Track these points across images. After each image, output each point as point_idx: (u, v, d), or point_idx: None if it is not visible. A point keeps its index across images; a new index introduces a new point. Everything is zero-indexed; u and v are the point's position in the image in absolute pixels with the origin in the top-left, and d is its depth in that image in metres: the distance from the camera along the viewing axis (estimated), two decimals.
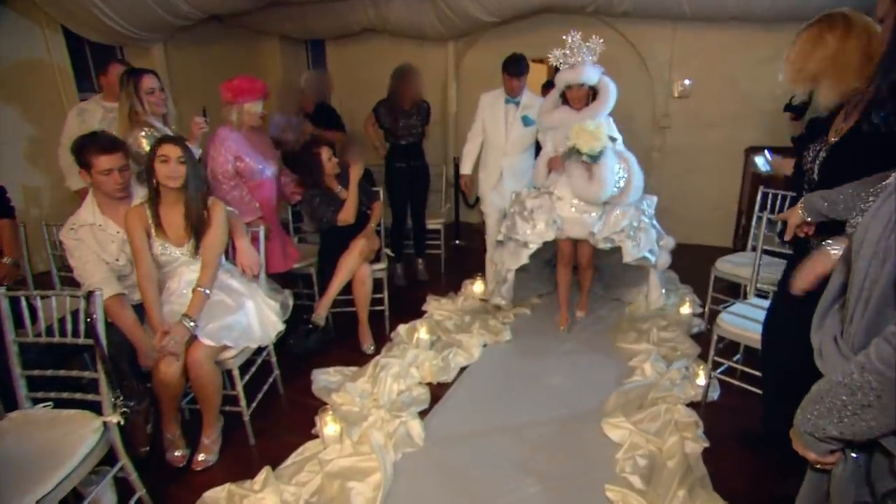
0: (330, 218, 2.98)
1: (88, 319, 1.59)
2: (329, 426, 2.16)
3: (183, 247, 2.08)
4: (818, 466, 0.88)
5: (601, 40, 2.74)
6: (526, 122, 3.29)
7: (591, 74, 2.74)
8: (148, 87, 2.56)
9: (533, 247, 2.94)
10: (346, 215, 2.94)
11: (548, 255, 3.44)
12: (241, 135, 2.74)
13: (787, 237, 1.55)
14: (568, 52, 2.76)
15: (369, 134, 3.85)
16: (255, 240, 2.41)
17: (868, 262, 0.78)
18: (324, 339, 3.00)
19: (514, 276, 3.15)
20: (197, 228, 2.07)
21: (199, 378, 2.00)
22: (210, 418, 2.12)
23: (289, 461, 2.09)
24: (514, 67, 3.19)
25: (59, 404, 1.74)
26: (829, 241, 1.30)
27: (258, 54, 6.01)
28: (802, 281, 1.32)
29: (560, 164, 2.82)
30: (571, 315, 3.25)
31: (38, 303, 1.68)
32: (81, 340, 1.66)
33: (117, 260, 2.12)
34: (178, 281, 2.14)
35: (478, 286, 3.58)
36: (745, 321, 2.17)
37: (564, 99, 2.89)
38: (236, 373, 2.14)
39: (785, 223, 1.56)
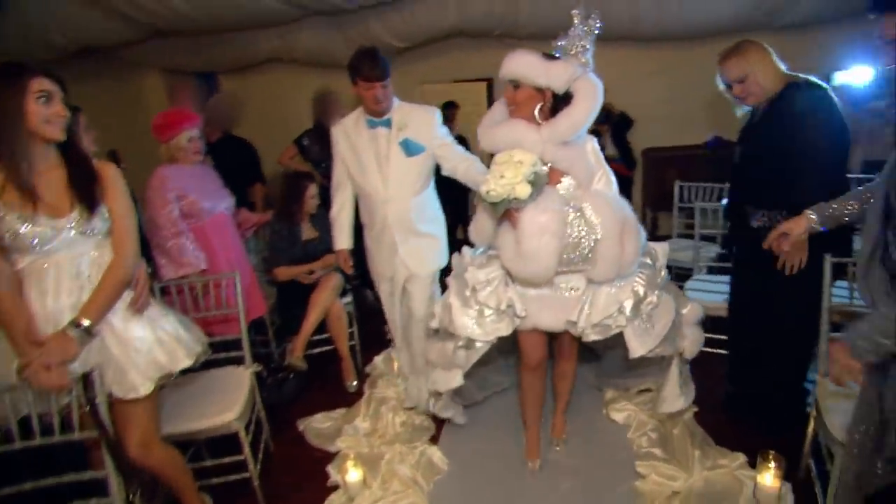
0: (273, 261, 2.85)
1: (88, 406, 1.34)
2: (351, 472, 2.02)
3: (64, 218, 1.42)
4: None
5: (598, 23, 1.80)
6: (409, 149, 2.14)
7: (536, 71, 1.70)
8: None
9: (481, 346, 1.91)
10: (281, 275, 2.86)
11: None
12: (182, 169, 2.48)
13: (767, 244, 1.81)
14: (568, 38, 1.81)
15: (287, 168, 3.63)
16: (231, 286, 2.20)
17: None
18: (300, 384, 2.80)
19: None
20: (84, 192, 1.45)
21: (155, 468, 1.60)
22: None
23: None
24: (372, 67, 1.99)
25: None
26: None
27: (139, 89, 5.46)
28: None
29: (515, 217, 1.70)
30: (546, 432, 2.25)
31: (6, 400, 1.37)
32: (77, 434, 1.39)
33: None
34: (60, 270, 1.43)
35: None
36: (704, 294, 2.50)
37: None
38: (243, 434, 1.92)
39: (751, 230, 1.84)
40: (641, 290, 1.83)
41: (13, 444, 1.37)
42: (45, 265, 1.43)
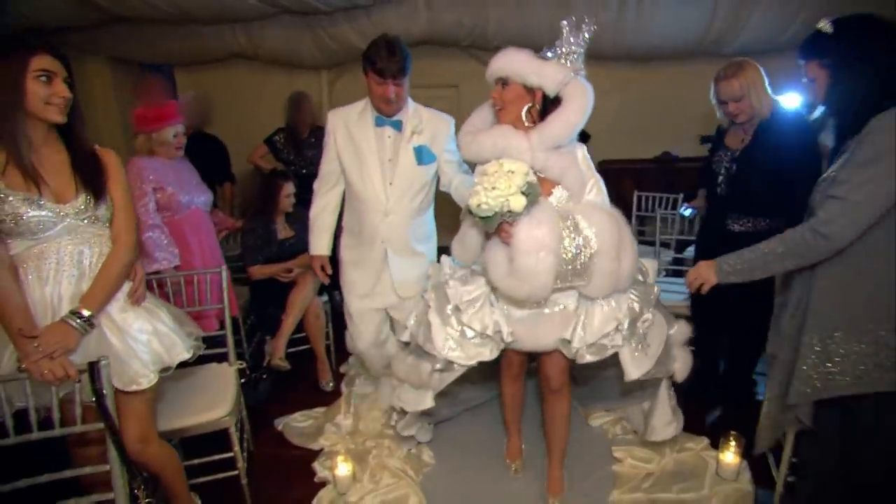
0: (248, 260, 2.82)
1: (95, 398, 1.29)
2: (341, 467, 2.03)
3: (68, 203, 1.38)
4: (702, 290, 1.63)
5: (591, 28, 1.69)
6: (421, 157, 2.00)
7: (529, 68, 1.61)
8: None
9: (459, 369, 1.78)
10: (257, 274, 2.83)
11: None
12: (159, 161, 2.40)
13: None
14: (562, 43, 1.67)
15: (258, 166, 3.67)
16: (214, 282, 2.15)
17: None
18: (273, 384, 2.76)
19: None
20: (90, 178, 1.42)
21: (152, 464, 1.54)
22: None
23: None
24: (389, 61, 1.84)
25: None
26: None
27: (81, 78, 5.09)
28: None
29: (509, 232, 1.56)
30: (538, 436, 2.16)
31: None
32: (79, 427, 1.33)
33: None
34: (61, 257, 1.38)
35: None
36: (665, 294, 2.71)
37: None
38: (233, 430, 1.88)
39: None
40: (637, 307, 1.74)
41: (7, 439, 1.30)
42: (46, 251, 1.36)
